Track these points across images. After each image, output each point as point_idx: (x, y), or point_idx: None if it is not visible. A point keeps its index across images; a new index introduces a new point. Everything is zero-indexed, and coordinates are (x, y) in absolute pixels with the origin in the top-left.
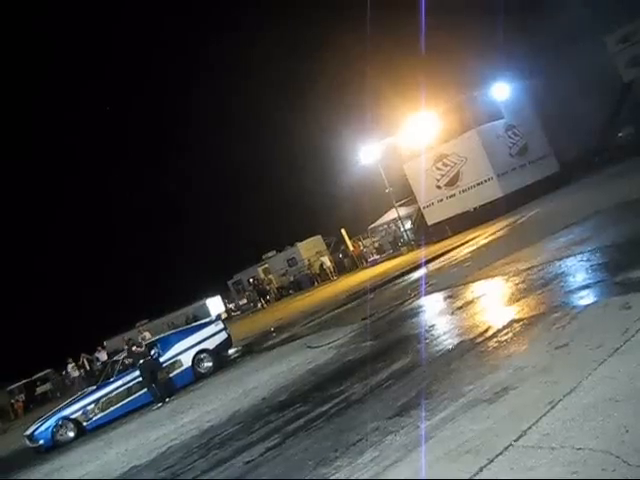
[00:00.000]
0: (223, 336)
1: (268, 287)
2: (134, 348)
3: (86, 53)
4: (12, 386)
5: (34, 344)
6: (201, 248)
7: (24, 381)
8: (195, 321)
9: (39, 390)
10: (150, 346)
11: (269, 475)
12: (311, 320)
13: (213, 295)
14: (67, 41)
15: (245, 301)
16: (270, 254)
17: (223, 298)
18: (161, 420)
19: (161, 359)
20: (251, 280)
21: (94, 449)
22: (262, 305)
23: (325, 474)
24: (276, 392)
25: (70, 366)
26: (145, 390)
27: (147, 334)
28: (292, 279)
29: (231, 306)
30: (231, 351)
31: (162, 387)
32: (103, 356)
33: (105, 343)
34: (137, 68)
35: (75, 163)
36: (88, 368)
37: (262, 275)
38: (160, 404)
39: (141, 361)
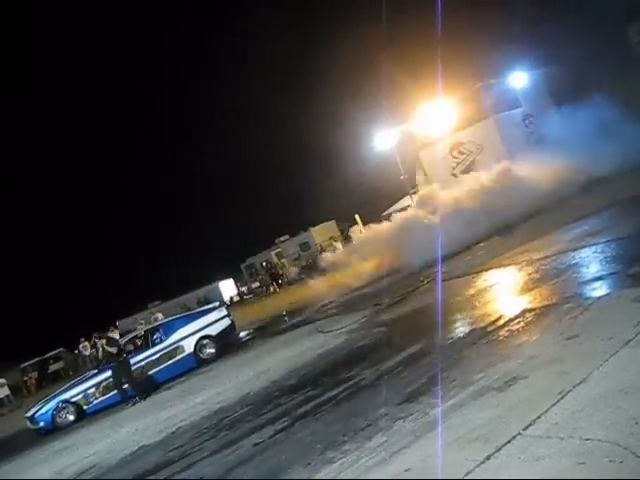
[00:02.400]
0: (226, 322)
1: (281, 271)
2: (105, 347)
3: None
4: (25, 363)
5: (48, 323)
6: (215, 231)
7: (37, 359)
8: (207, 304)
9: (52, 368)
10: (124, 344)
11: (277, 458)
12: (323, 305)
13: (226, 278)
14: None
15: (258, 284)
16: (283, 238)
17: (236, 281)
18: (172, 400)
19: (164, 344)
20: (264, 264)
21: (104, 428)
22: (274, 289)
23: (333, 458)
24: (286, 375)
25: (82, 345)
26: (151, 372)
27: (159, 315)
28: (304, 264)
29: (244, 289)
30: (242, 334)
31: (138, 386)
32: (115, 336)
33: (118, 323)
34: (148, 55)
35: (99, 143)
36: (99, 348)
37: (275, 259)
38: (131, 404)
39: (114, 363)
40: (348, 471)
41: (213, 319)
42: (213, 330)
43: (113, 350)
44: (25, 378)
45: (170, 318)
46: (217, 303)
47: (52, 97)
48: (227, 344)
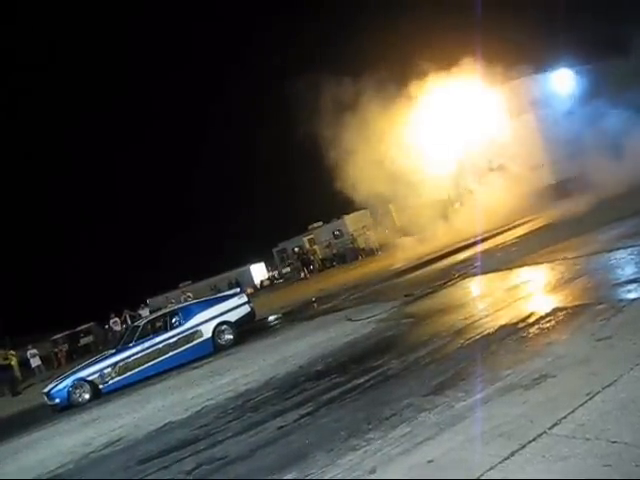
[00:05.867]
0: (246, 309)
1: (312, 257)
2: None
3: None
4: (56, 336)
5: (81, 297)
6: (249, 214)
7: (68, 332)
8: (237, 286)
9: (82, 342)
10: None
11: (300, 442)
12: (353, 293)
13: (257, 261)
14: None
15: (288, 270)
16: (316, 225)
17: (267, 265)
18: (199, 380)
19: (182, 328)
20: (296, 249)
21: (131, 402)
22: (305, 275)
23: (356, 445)
24: (313, 361)
25: (112, 321)
26: (168, 355)
27: (190, 294)
28: (335, 252)
29: (274, 274)
30: (271, 318)
31: None
32: (145, 313)
33: (148, 301)
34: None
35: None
36: (130, 324)
37: (307, 245)
38: None
39: None
40: (371, 459)
41: (233, 305)
42: (232, 316)
43: None
44: (55, 350)
45: (189, 302)
46: (238, 289)
47: None
48: (251, 329)
